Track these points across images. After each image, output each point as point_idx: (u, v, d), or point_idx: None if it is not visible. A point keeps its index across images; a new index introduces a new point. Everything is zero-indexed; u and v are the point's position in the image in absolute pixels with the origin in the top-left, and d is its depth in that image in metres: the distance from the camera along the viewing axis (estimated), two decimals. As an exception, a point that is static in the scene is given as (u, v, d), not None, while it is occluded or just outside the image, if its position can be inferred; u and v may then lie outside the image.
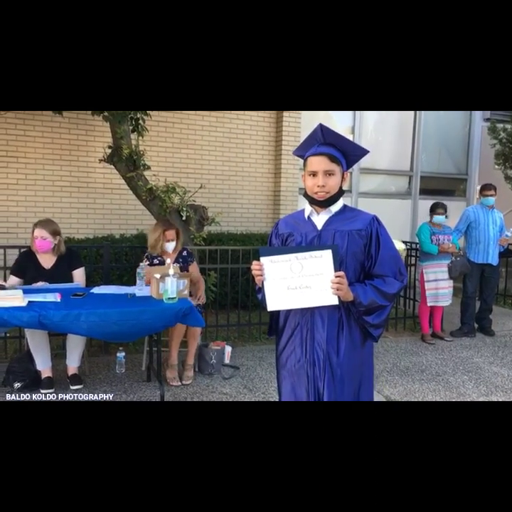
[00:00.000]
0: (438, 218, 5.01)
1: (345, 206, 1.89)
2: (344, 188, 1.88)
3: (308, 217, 1.88)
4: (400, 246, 4.96)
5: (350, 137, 7.25)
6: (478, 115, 8.15)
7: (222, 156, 6.69)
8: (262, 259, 1.78)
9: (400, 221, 7.61)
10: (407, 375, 4.06)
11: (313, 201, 1.84)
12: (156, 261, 3.85)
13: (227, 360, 4.13)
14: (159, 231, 3.85)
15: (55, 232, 3.57)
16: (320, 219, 1.85)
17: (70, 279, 3.62)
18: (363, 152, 1.90)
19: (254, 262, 1.80)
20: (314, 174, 1.80)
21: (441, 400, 3.55)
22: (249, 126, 6.81)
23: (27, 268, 3.54)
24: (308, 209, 1.88)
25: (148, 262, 3.85)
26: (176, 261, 3.85)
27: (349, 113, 7.46)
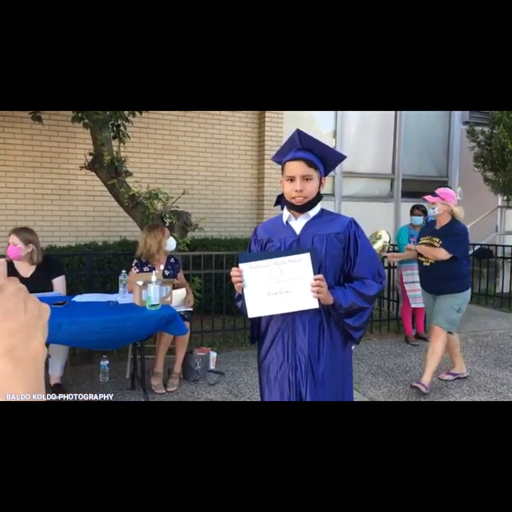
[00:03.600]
0: (415, 219, 5.11)
1: (322, 210, 1.90)
2: (327, 191, 1.90)
3: (287, 222, 1.88)
4: (384, 238, 5.01)
5: (332, 141, 7.31)
6: (457, 118, 8.28)
7: (205, 161, 6.70)
8: (241, 265, 1.78)
9: (382, 224, 7.66)
10: (392, 377, 4.09)
11: (291, 206, 1.85)
12: (146, 269, 3.80)
13: (212, 366, 4.12)
14: (159, 231, 3.80)
15: (28, 241, 3.52)
16: (298, 224, 1.86)
17: (50, 288, 3.58)
18: (341, 157, 1.92)
19: (234, 269, 1.79)
20: (292, 179, 1.80)
21: (425, 401, 3.59)
22: (231, 131, 6.82)
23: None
24: (286, 214, 1.89)
25: (137, 270, 3.79)
26: (166, 268, 3.84)
27: (331, 117, 7.52)
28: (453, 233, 3.68)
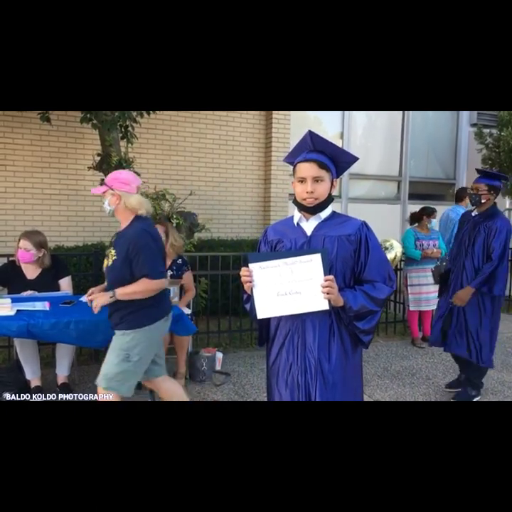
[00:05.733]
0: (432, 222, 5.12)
1: (333, 212, 1.89)
2: (334, 193, 1.88)
3: (298, 223, 1.87)
4: (397, 248, 4.99)
5: (339, 143, 7.30)
6: (464, 120, 8.25)
7: (212, 162, 6.71)
8: (251, 265, 1.76)
9: (389, 226, 7.67)
10: (398, 379, 4.08)
11: (302, 207, 1.84)
12: None
13: (218, 367, 4.13)
14: None
15: (40, 245, 3.51)
16: (309, 225, 1.85)
17: (56, 289, 3.59)
18: (353, 159, 1.90)
19: (243, 269, 1.78)
20: (303, 180, 1.80)
21: (430, 401, 3.57)
22: (238, 132, 6.83)
23: (11, 277, 3.51)
24: (297, 215, 1.88)
25: None
26: (170, 268, 3.83)
27: (338, 119, 7.51)
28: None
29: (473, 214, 3.62)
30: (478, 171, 3.74)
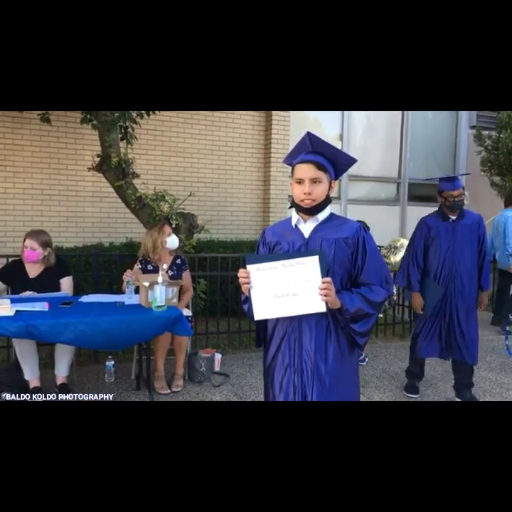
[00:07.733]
0: None
1: (332, 214, 1.89)
2: (332, 194, 1.89)
3: (296, 225, 1.88)
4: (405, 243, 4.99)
5: (338, 144, 7.31)
6: (464, 122, 8.27)
7: (212, 163, 6.72)
8: (249, 267, 1.76)
9: (388, 227, 7.68)
10: (397, 381, 4.08)
11: (300, 209, 1.85)
12: (150, 267, 3.83)
13: (217, 368, 4.13)
14: (156, 229, 3.85)
15: (46, 244, 3.53)
16: (307, 227, 1.86)
17: (57, 289, 3.60)
18: (351, 161, 1.90)
19: (241, 270, 1.78)
20: (301, 182, 1.80)
21: (428, 401, 3.58)
22: (238, 134, 6.84)
23: (13, 275, 3.52)
24: (295, 217, 1.88)
25: (140, 266, 3.83)
26: (170, 268, 3.84)
27: (337, 120, 7.52)
28: None
29: (451, 219, 3.54)
30: (443, 178, 3.66)
